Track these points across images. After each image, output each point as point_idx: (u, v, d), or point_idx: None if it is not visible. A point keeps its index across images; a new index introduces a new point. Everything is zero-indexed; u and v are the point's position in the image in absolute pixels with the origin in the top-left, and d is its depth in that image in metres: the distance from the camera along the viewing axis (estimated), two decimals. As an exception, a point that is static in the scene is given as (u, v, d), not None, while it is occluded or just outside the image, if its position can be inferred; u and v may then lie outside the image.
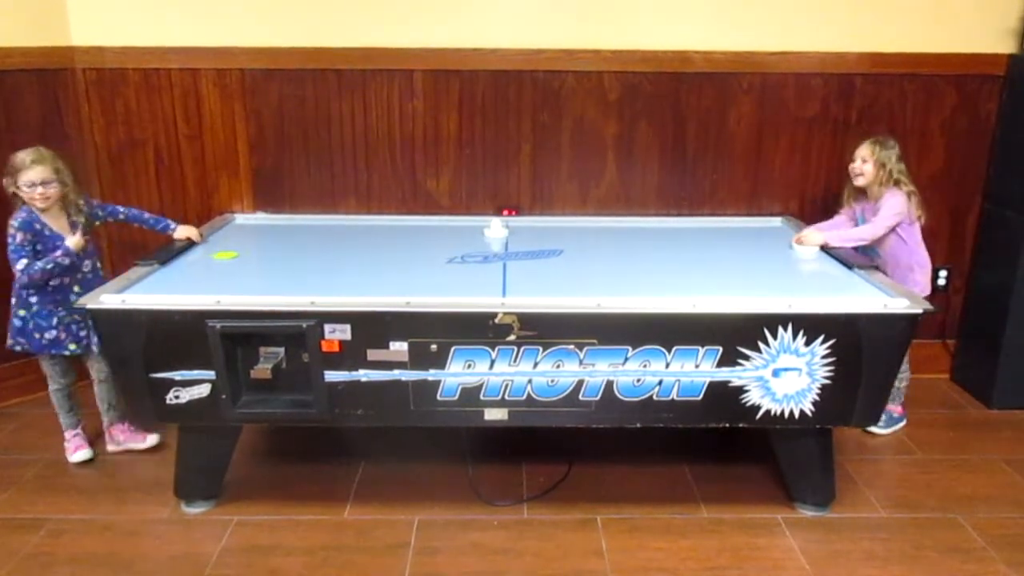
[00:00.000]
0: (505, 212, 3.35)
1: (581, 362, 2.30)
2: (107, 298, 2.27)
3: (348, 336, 2.26)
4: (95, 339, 2.67)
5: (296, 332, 2.25)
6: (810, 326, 2.27)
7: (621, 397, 2.35)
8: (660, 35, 3.22)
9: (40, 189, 2.54)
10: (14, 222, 2.56)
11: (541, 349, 2.29)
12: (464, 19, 3.19)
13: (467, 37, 3.20)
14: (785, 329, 2.27)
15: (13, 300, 2.64)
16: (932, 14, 3.21)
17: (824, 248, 2.83)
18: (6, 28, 3.00)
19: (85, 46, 3.18)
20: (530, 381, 2.32)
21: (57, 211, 2.62)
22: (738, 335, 2.29)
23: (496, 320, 2.25)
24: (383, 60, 3.21)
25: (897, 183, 2.87)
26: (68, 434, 2.85)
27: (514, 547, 2.42)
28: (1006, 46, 3.24)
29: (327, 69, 3.22)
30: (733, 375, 2.32)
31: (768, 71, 3.26)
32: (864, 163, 2.90)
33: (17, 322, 2.64)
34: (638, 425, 2.41)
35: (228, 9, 3.16)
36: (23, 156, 2.54)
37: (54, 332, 2.65)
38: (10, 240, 2.55)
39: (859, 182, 2.94)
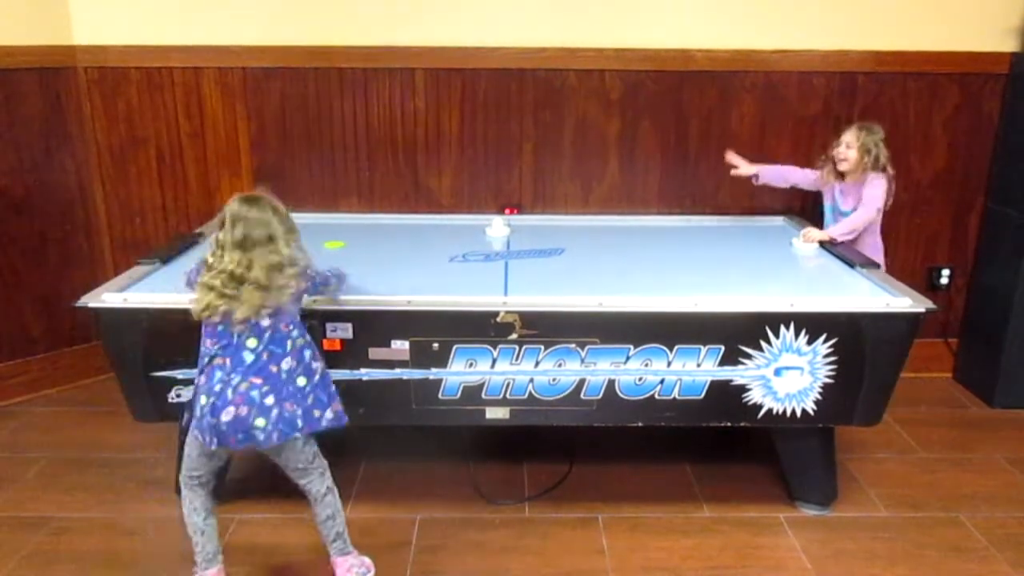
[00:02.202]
0: (507, 211, 3.34)
1: (583, 361, 2.30)
2: (109, 296, 2.28)
3: (350, 335, 2.26)
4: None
5: (298, 331, 2.25)
6: (812, 325, 2.27)
7: (623, 396, 2.35)
8: (662, 33, 3.22)
9: None
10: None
11: (543, 348, 2.28)
12: (465, 18, 3.19)
13: (468, 36, 3.20)
14: (787, 328, 2.27)
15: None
16: (935, 12, 3.21)
17: (824, 245, 2.84)
18: (8, 27, 3.00)
19: (87, 45, 3.18)
20: (532, 380, 2.32)
21: None
22: (740, 334, 2.29)
23: (498, 319, 2.25)
24: (385, 59, 3.21)
25: (884, 168, 2.90)
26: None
27: (515, 546, 2.42)
28: (1009, 44, 3.23)
29: (329, 68, 3.22)
30: (735, 374, 2.32)
31: (770, 69, 3.26)
32: (848, 148, 2.92)
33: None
34: (640, 424, 2.40)
35: (230, 8, 3.16)
36: None
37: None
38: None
39: (843, 167, 2.96)
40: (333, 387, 2.11)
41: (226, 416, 1.94)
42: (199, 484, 2.12)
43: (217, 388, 1.95)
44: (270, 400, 1.96)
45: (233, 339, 1.96)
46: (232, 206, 1.96)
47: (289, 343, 2.00)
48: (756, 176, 3.12)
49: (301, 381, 2.02)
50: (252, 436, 1.96)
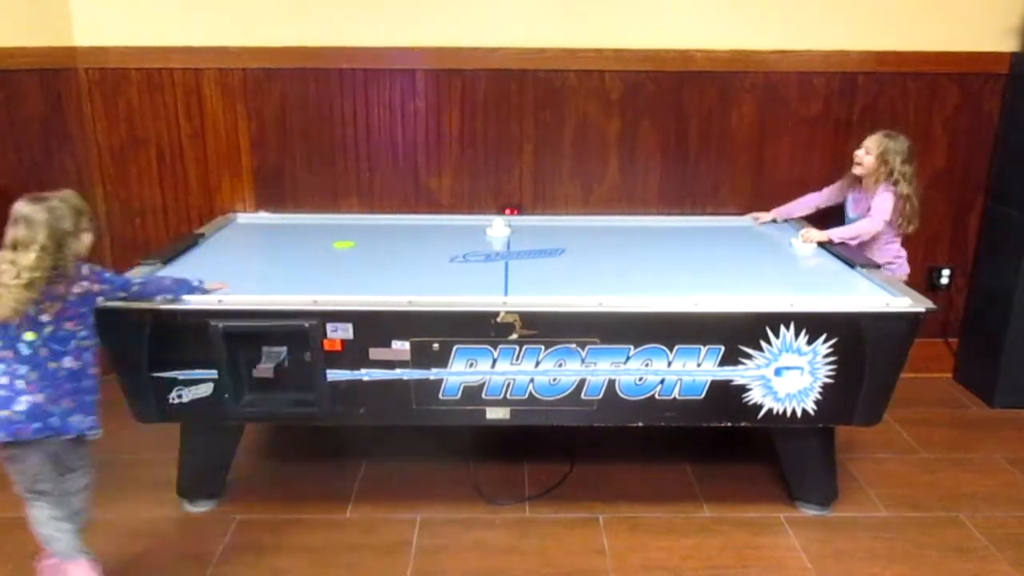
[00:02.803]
0: (507, 211, 3.35)
1: (583, 361, 2.30)
2: (110, 297, 2.28)
3: (350, 335, 2.26)
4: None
5: (298, 331, 2.25)
6: (812, 325, 2.27)
7: (623, 396, 2.35)
8: (662, 34, 3.22)
9: None
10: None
11: (543, 348, 2.29)
12: (466, 18, 3.19)
13: (469, 36, 3.20)
14: (787, 328, 2.27)
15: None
16: (934, 12, 3.21)
17: (823, 245, 2.84)
18: (9, 28, 3.00)
19: (88, 46, 3.19)
20: (532, 380, 2.32)
21: None
22: (740, 334, 2.29)
23: (498, 319, 2.25)
24: (385, 59, 3.22)
25: (896, 183, 2.86)
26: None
27: (516, 546, 2.42)
28: (1009, 44, 3.23)
29: (329, 68, 3.22)
30: (735, 374, 2.32)
31: (770, 70, 3.26)
32: (867, 154, 2.90)
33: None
34: (640, 424, 2.41)
35: (230, 9, 3.17)
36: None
37: None
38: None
39: (857, 171, 2.95)
40: (96, 397, 2.06)
41: (21, 406, 1.92)
42: (42, 495, 2.04)
43: (4, 380, 1.92)
44: (56, 391, 1.96)
45: (11, 331, 1.91)
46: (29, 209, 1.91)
47: (73, 342, 1.97)
48: (778, 218, 3.21)
49: (84, 382, 2.01)
50: (49, 424, 1.95)
